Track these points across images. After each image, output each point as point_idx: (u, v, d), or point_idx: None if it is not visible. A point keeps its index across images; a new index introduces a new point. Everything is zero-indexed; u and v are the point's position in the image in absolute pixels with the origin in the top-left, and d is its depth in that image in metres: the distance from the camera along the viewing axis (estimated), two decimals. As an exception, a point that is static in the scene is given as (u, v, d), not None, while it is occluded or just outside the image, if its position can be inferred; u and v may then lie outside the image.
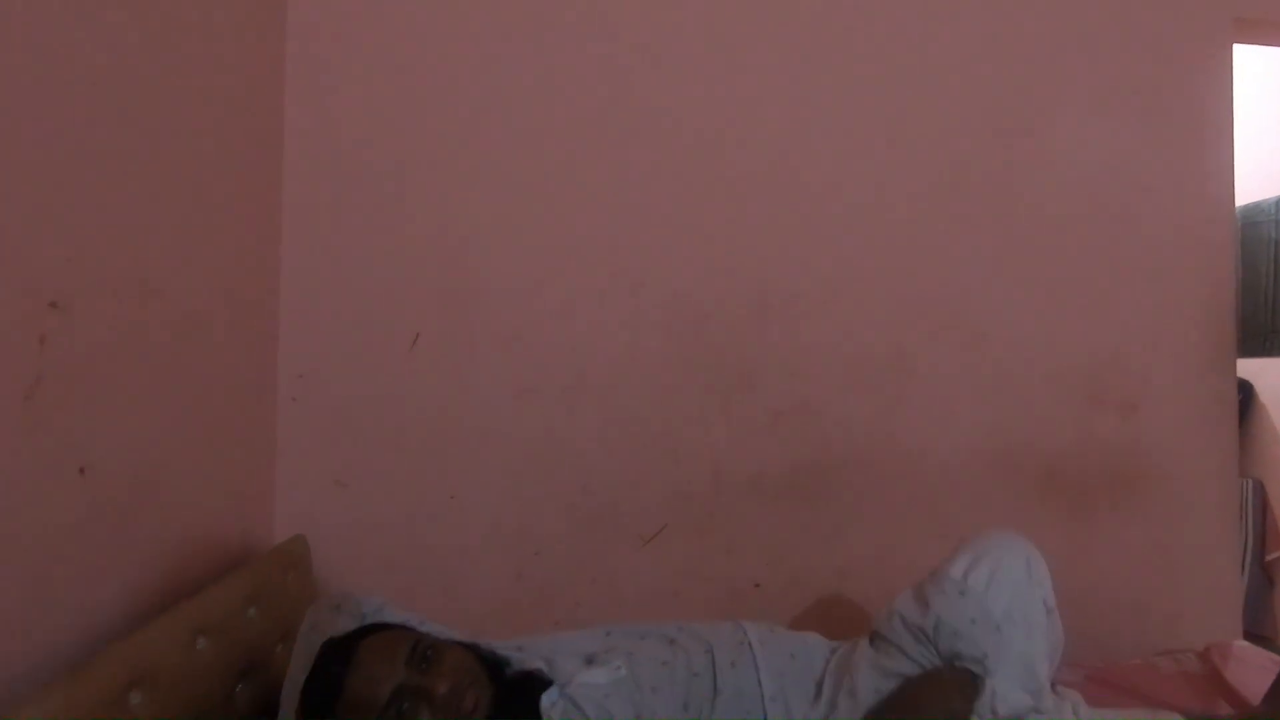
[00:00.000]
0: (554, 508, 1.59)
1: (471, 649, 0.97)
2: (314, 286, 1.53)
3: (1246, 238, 2.86)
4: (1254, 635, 1.98)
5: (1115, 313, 1.77)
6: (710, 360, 1.64)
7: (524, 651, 1.01)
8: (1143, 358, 1.77)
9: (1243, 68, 2.80)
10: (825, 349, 1.67)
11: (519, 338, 1.58)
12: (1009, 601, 0.97)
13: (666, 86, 1.65)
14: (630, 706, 0.92)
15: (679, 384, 1.63)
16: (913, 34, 1.73)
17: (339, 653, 0.91)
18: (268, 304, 1.48)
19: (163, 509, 1.08)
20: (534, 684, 0.95)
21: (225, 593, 1.07)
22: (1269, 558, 2.56)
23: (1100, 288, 1.76)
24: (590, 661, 0.99)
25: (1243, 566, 2.56)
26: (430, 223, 1.57)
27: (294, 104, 1.52)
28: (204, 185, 1.22)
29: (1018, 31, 1.76)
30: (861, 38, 1.71)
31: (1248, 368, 2.74)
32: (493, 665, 0.96)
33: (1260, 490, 2.59)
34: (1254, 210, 2.82)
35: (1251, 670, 1.42)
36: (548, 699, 0.92)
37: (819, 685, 0.99)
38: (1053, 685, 1.21)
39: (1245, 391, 2.69)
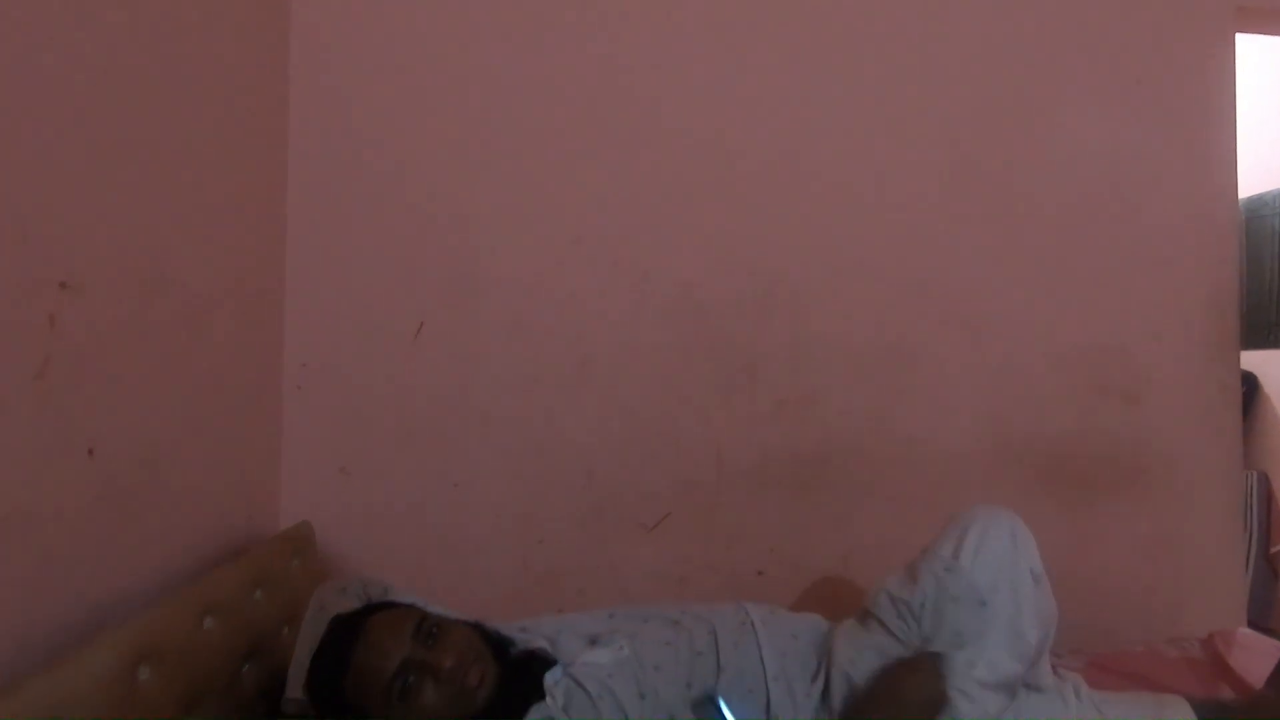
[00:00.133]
0: (558, 496, 1.59)
1: (476, 628, 0.97)
2: (318, 276, 1.54)
3: (1250, 231, 2.86)
4: (1259, 628, 1.98)
5: (1118, 303, 1.77)
6: (713, 349, 1.65)
7: (528, 632, 1.02)
8: (1146, 347, 1.77)
9: (1246, 59, 2.80)
10: (828, 338, 1.68)
11: (523, 327, 1.59)
12: (995, 574, 0.97)
13: (671, 78, 1.65)
14: (633, 685, 0.93)
15: (682, 373, 1.63)
16: (915, 27, 1.73)
17: (347, 628, 0.92)
18: (273, 294, 1.49)
19: (170, 492, 1.09)
20: (538, 663, 0.95)
21: (232, 575, 1.08)
22: (1274, 550, 2.56)
23: (1103, 278, 1.76)
24: (594, 642, 0.99)
25: (1248, 560, 2.55)
26: (434, 213, 1.58)
27: (299, 96, 1.53)
28: (211, 175, 1.23)
29: (1020, 22, 1.77)
30: (865, 31, 1.72)
31: (1252, 360, 2.73)
32: (497, 644, 0.97)
33: (1265, 483, 2.58)
34: (1257, 203, 2.82)
35: (1255, 657, 1.42)
36: (551, 678, 0.93)
37: (819, 664, 1.00)
38: (1054, 669, 1.22)
39: (1250, 384, 2.69)
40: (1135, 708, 1.15)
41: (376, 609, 0.95)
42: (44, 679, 0.71)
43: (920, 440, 1.70)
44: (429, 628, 0.91)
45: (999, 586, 0.97)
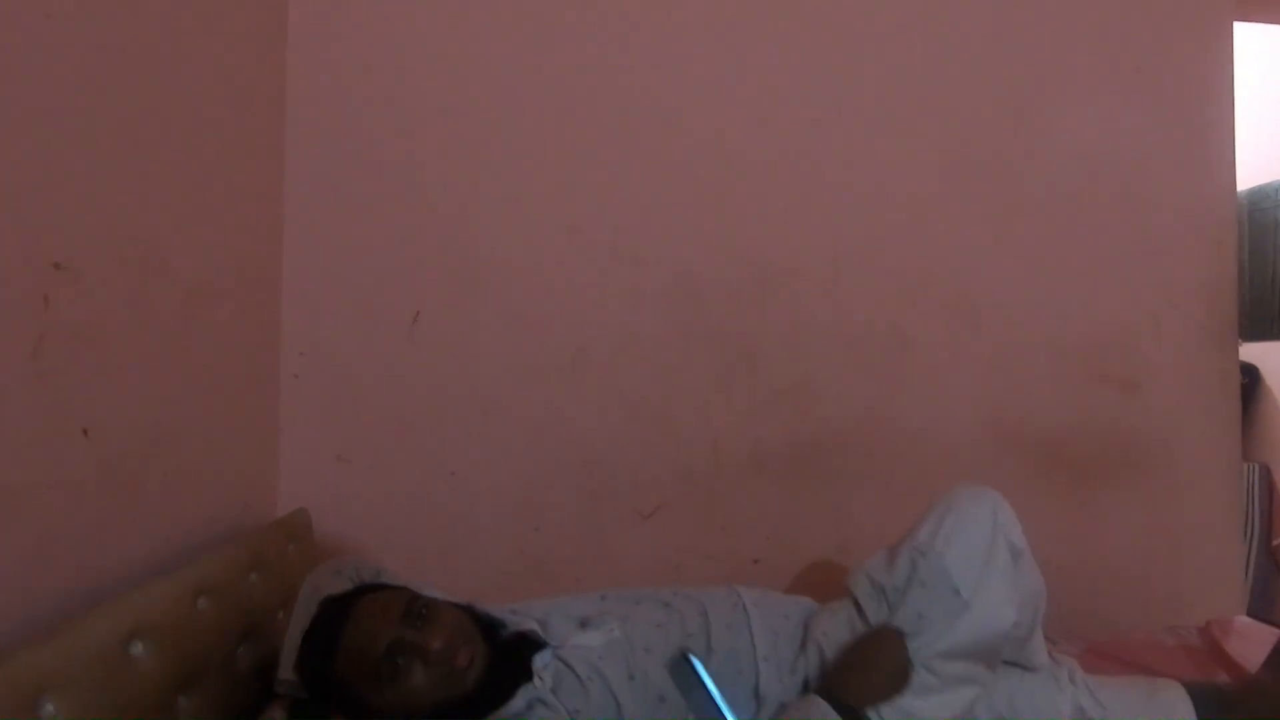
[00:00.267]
0: (554, 484, 1.60)
1: (467, 610, 0.98)
2: (315, 265, 1.55)
3: (1253, 222, 2.85)
4: (1261, 621, 1.97)
5: (1116, 291, 1.76)
6: (711, 338, 1.65)
7: (519, 615, 1.02)
8: (1144, 337, 1.76)
9: (1248, 50, 2.78)
10: (825, 327, 1.68)
11: (520, 315, 1.60)
12: (971, 555, 0.97)
13: (668, 69, 1.65)
14: (623, 667, 0.93)
15: (679, 361, 1.64)
16: (913, 17, 1.73)
17: (337, 609, 0.92)
18: (271, 282, 1.50)
19: (167, 475, 1.10)
20: (527, 645, 0.96)
21: (226, 558, 1.09)
22: (1276, 543, 2.55)
23: (1101, 266, 1.76)
24: (584, 624, 1.00)
25: (1249, 552, 2.54)
26: (432, 201, 1.58)
27: (296, 85, 1.54)
28: (208, 161, 1.24)
29: (1017, 12, 1.76)
30: (863, 21, 1.71)
31: (1254, 352, 2.72)
32: (487, 626, 0.97)
33: (1266, 475, 2.57)
34: (1259, 195, 2.81)
35: (1253, 644, 1.41)
36: (540, 660, 0.93)
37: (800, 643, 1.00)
38: (1050, 653, 1.21)
39: (1251, 375, 2.68)
40: (1130, 691, 1.15)
41: (367, 590, 0.96)
42: (35, 650, 0.71)
43: (918, 429, 1.69)
44: (419, 609, 0.92)
45: (976, 567, 0.96)
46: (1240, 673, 1.31)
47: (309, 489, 1.52)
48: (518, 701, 0.88)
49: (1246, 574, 2.47)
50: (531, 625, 0.99)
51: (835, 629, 0.99)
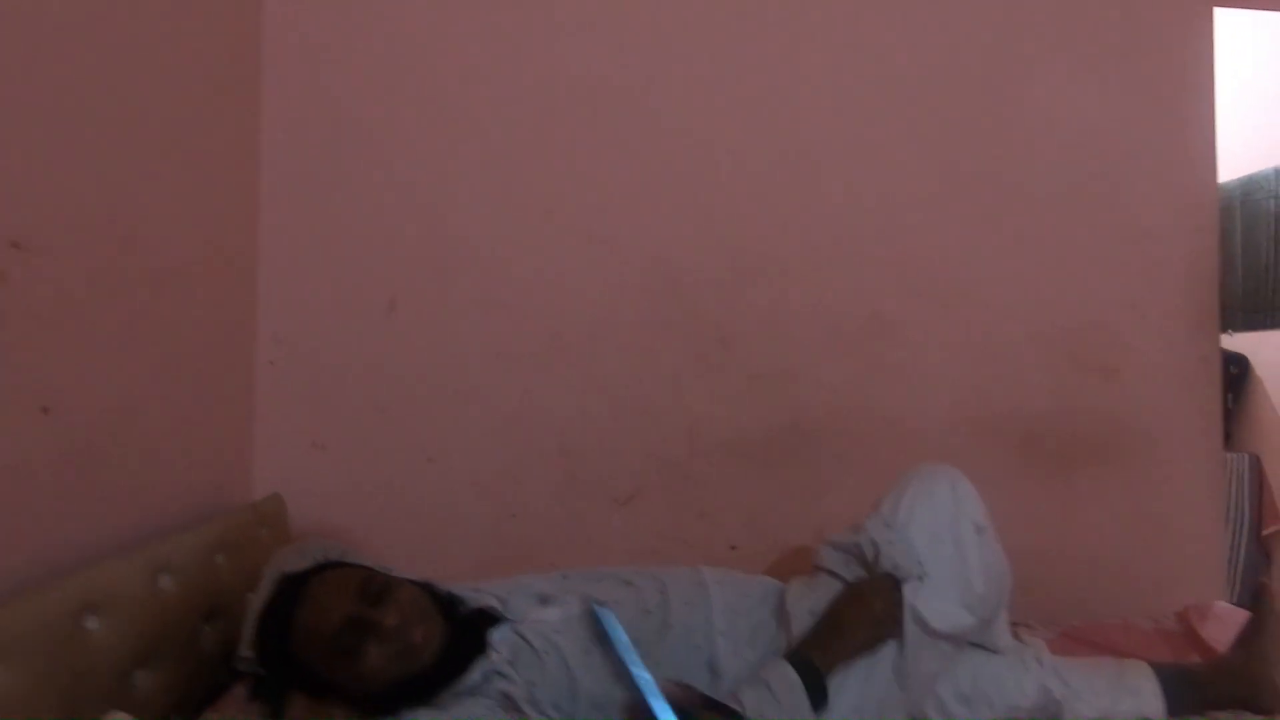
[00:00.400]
0: (531, 470, 1.60)
1: (425, 587, 0.98)
2: (292, 251, 1.55)
3: (1245, 212, 2.83)
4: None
5: (1096, 277, 1.76)
6: (687, 324, 1.65)
7: (480, 592, 1.02)
8: (1125, 322, 1.76)
9: (1240, 39, 2.77)
10: (803, 312, 1.68)
11: (495, 301, 1.60)
12: (933, 528, 0.98)
13: (645, 52, 1.65)
14: (580, 642, 0.93)
15: (656, 347, 1.64)
16: (889, 1, 1.72)
17: (293, 586, 0.93)
18: (246, 267, 1.50)
19: (134, 455, 1.10)
20: (486, 621, 0.96)
21: (191, 539, 1.09)
22: (1265, 533, 2.53)
23: (1081, 252, 1.75)
24: (545, 601, 1.00)
25: (1239, 543, 2.53)
26: (408, 187, 1.58)
27: (272, 69, 1.54)
28: (180, 144, 1.24)
29: (996, -4, 1.75)
30: (840, 6, 1.71)
31: (1244, 342, 2.71)
32: (446, 603, 0.98)
33: (1256, 465, 2.56)
34: (1252, 184, 2.79)
35: (1228, 629, 1.40)
36: (498, 634, 0.93)
37: (770, 620, 1.00)
38: (1016, 635, 1.21)
39: (1241, 365, 2.66)
40: (1096, 672, 1.15)
41: (324, 568, 0.96)
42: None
43: (897, 415, 1.69)
44: (375, 587, 0.92)
45: (941, 537, 0.97)
46: (1213, 655, 1.31)
47: (285, 475, 1.52)
48: (473, 674, 0.88)
49: (1234, 563, 2.46)
50: (491, 602, 0.99)
51: (809, 598, 0.99)
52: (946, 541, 0.97)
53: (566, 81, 1.62)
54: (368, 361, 1.57)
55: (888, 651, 0.95)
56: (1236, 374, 2.64)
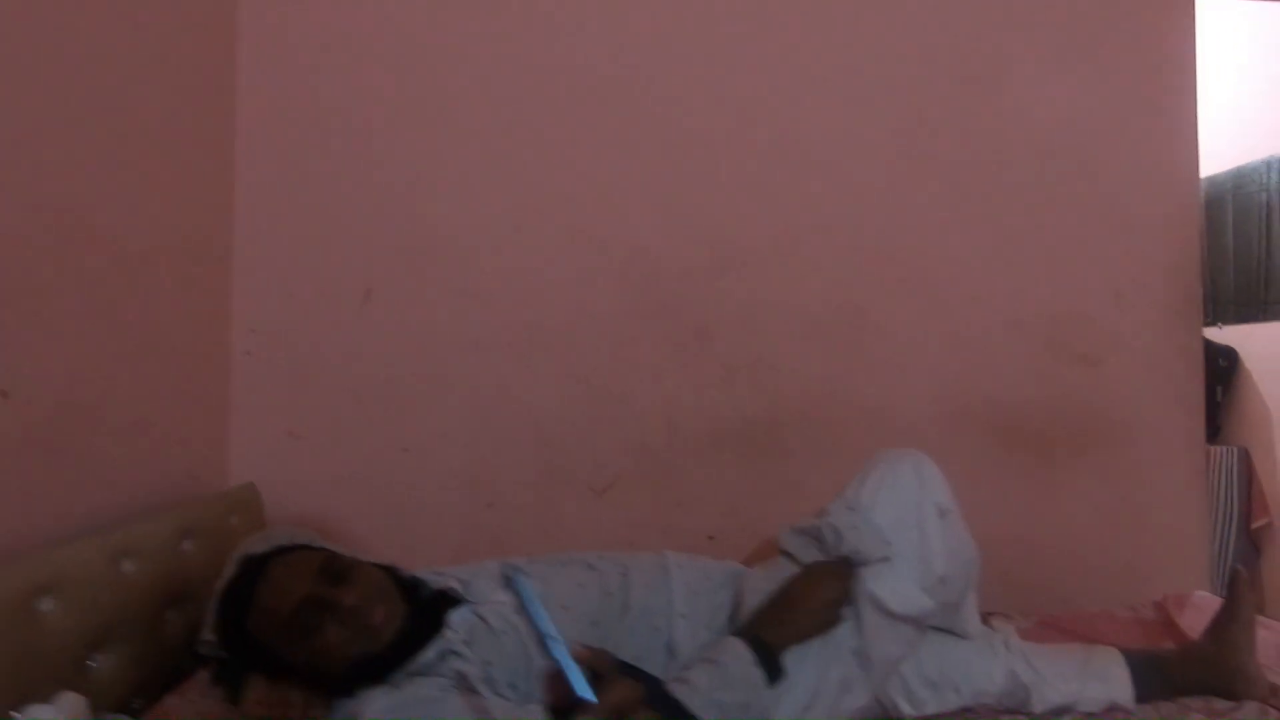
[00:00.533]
0: (508, 460, 1.60)
1: (387, 570, 0.98)
2: (267, 241, 1.55)
3: (1237, 205, 2.82)
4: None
5: (1077, 267, 1.75)
6: (664, 314, 1.65)
7: (443, 576, 1.02)
8: (1105, 311, 1.75)
9: (1230, 29, 2.76)
10: (781, 303, 1.67)
11: (472, 292, 1.60)
12: (897, 511, 0.97)
13: (622, 44, 1.65)
14: (539, 623, 0.93)
15: (633, 337, 1.64)
16: (869, -12, 1.72)
17: (254, 566, 0.93)
18: (220, 257, 1.50)
19: (97, 441, 1.11)
20: (447, 602, 0.96)
21: (155, 524, 1.09)
22: (1254, 526, 2.52)
23: (1061, 241, 1.75)
24: (506, 584, 1.00)
25: (1228, 537, 2.52)
26: (384, 177, 1.58)
27: (248, 61, 1.54)
28: (151, 133, 1.25)
29: (975, -16, 1.75)
30: (817, -7, 1.71)
31: (1233, 335, 2.70)
32: (409, 586, 0.98)
33: (1245, 458, 2.55)
34: (1243, 176, 2.78)
35: (1206, 617, 1.40)
36: (456, 615, 0.93)
37: (730, 601, 1.00)
38: (987, 621, 1.21)
39: (1230, 358, 2.65)
40: (1065, 658, 1.14)
41: (287, 550, 0.96)
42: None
43: (875, 405, 1.69)
44: (336, 567, 0.92)
45: (904, 520, 0.96)
46: (1187, 642, 1.30)
47: (261, 464, 1.52)
48: (428, 653, 0.88)
49: (1223, 556, 2.45)
50: (452, 584, 0.99)
51: (766, 581, 0.99)
52: (909, 524, 0.97)
53: (543, 73, 1.62)
54: (344, 351, 1.57)
55: (847, 633, 0.94)
56: (1226, 366, 2.64)
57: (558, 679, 0.48)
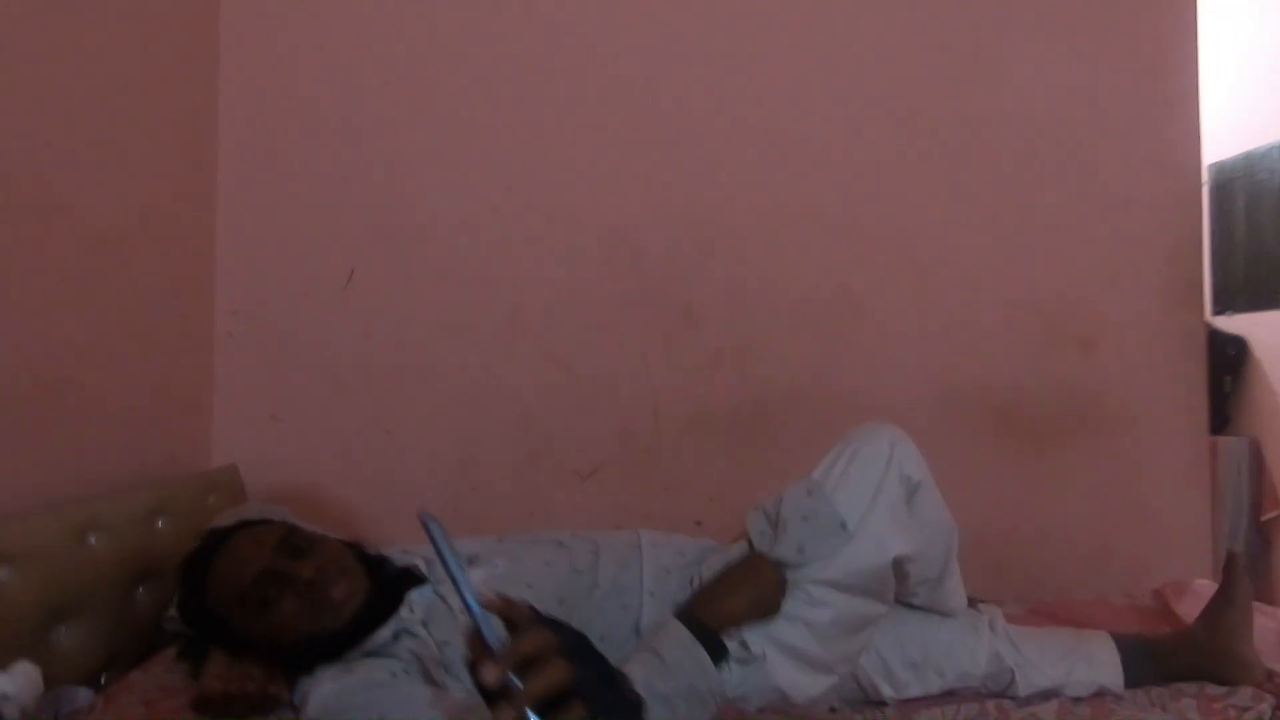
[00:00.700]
0: (491, 443, 1.59)
1: (352, 545, 0.97)
2: (250, 225, 1.55)
3: (1248, 190, 2.75)
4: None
5: (1074, 250, 1.71)
6: (650, 297, 1.63)
7: (410, 554, 1.01)
8: (1103, 295, 1.71)
9: (1239, 11, 2.70)
10: (768, 286, 1.65)
11: (454, 275, 1.59)
12: (860, 488, 0.94)
13: (605, 22, 1.63)
14: (501, 601, 0.91)
15: (617, 321, 1.62)
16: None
17: (215, 539, 0.92)
18: (203, 239, 1.50)
19: (71, 418, 1.10)
20: (411, 581, 0.94)
21: (125, 500, 1.09)
22: (1265, 518, 2.46)
23: (1058, 223, 1.71)
24: (472, 562, 0.98)
25: (1237, 528, 2.46)
26: (365, 160, 1.58)
27: (230, 42, 1.54)
28: (131, 115, 1.24)
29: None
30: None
31: (1242, 323, 2.64)
32: (374, 563, 0.96)
33: (1255, 449, 2.49)
34: (1254, 160, 2.71)
35: (1203, 604, 1.36)
36: (418, 594, 0.92)
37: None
38: (973, 603, 1.18)
39: (1239, 347, 2.59)
40: (1053, 641, 1.11)
41: (251, 524, 0.95)
42: None
43: (864, 389, 1.66)
44: (296, 541, 0.90)
45: (864, 500, 0.93)
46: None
47: (243, 447, 1.52)
48: (384, 632, 0.87)
49: (1236, 545, 2.39)
50: (416, 562, 0.97)
51: (720, 562, 0.97)
52: (867, 496, 0.94)
53: (524, 55, 1.61)
54: (326, 334, 1.56)
55: (797, 607, 0.91)
56: (1235, 356, 2.58)
57: (477, 635, 0.46)
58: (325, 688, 0.81)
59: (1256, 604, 1.19)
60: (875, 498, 0.92)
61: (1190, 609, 1.36)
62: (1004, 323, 1.69)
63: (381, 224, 1.57)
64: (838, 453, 1.00)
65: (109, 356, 1.19)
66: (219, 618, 0.88)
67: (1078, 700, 1.05)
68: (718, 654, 0.86)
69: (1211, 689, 1.07)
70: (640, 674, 0.77)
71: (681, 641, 0.83)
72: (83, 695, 0.89)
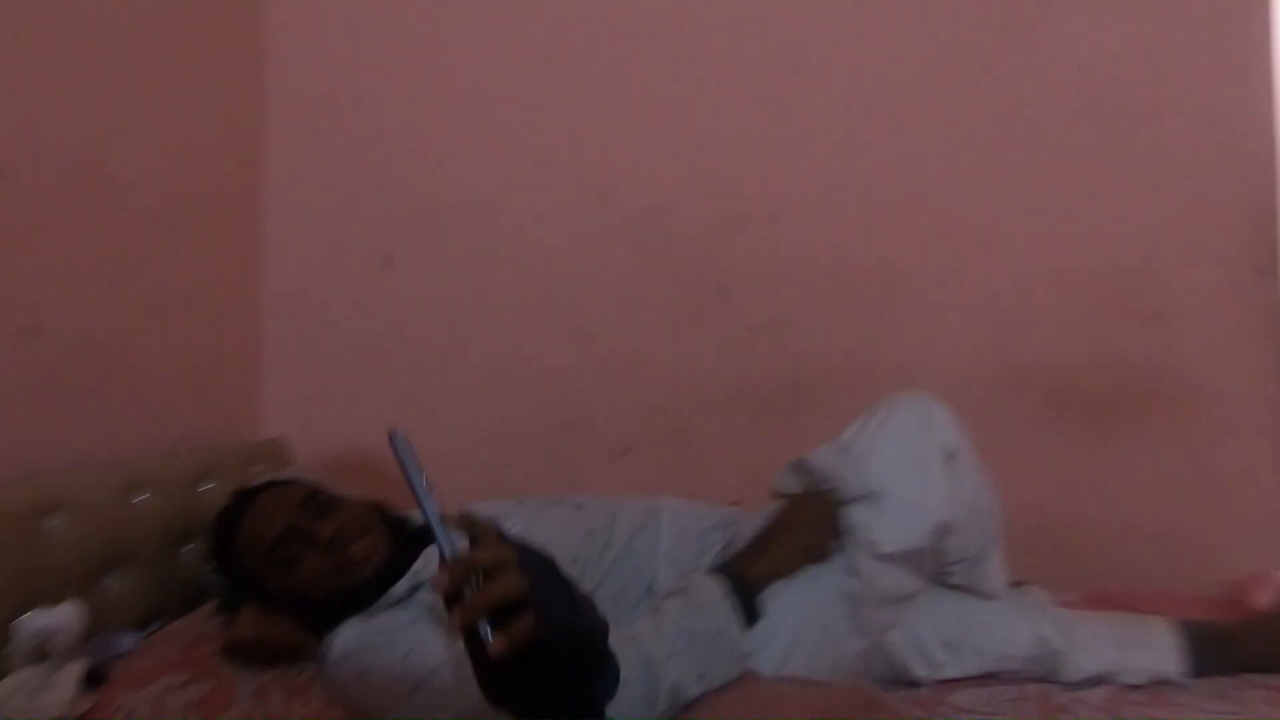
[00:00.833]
0: (524, 420, 1.60)
1: (376, 506, 0.99)
2: (296, 209, 1.60)
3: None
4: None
5: (1135, 217, 1.60)
6: (682, 273, 1.61)
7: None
8: (1170, 266, 1.59)
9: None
10: (805, 260, 1.60)
11: (488, 253, 1.61)
12: (895, 454, 0.90)
13: (636, -2, 1.62)
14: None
15: (648, 297, 1.60)
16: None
17: (244, 497, 0.95)
18: (251, 222, 1.56)
19: (120, 383, 1.16)
20: (429, 539, 0.95)
21: (173, 463, 1.14)
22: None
23: (1119, 189, 1.60)
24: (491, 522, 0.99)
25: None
26: (403, 139, 1.61)
27: (276, 22, 1.58)
28: (179, 98, 1.30)
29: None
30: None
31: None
32: (394, 522, 0.98)
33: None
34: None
35: (1282, 595, 1.25)
36: (434, 548, 0.92)
37: (721, 544, 0.96)
38: (1017, 585, 1.11)
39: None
40: (1105, 625, 1.04)
41: (276, 483, 0.98)
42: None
43: (907, 366, 1.59)
44: (319, 501, 0.93)
45: (900, 465, 0.89)
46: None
47: (291, 420, 1.57)
48: (400, 586, 0.88)
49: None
50: (438, 522, 0.98)
51: (755, 523, 0.94)
52: (906, 466, 0.90)
53: (555, 31, 1.61)
54: (367, 312, 1.61)
55: (835, 575, 0.88)
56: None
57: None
58: (346, 634, 0.84)
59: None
60: (911, 462, 0.88)
61: (1263, 599, 1.26)
62: (1059, 296, 1.60)
63: (418, 204, 1.61)
64: (864, 421, 0.96)
65: (159, 329, 1.26)
66: (248, 572, 0.92)
67: (1131, 688, 0.99)
68: (751, 617, 0.84)
69: (1286, 683, 0.98)
70: (674, 610, 0.76)
71: (712, 589, 0.81)
72: (128, 640, 0.94)
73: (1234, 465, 1.58)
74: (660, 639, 0.73)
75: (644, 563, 0.94)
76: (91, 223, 1.11)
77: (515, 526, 0.97)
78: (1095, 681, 0.99)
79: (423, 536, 0.96)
